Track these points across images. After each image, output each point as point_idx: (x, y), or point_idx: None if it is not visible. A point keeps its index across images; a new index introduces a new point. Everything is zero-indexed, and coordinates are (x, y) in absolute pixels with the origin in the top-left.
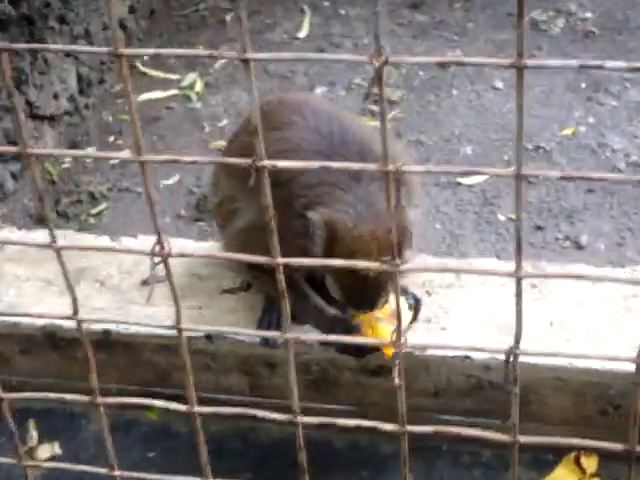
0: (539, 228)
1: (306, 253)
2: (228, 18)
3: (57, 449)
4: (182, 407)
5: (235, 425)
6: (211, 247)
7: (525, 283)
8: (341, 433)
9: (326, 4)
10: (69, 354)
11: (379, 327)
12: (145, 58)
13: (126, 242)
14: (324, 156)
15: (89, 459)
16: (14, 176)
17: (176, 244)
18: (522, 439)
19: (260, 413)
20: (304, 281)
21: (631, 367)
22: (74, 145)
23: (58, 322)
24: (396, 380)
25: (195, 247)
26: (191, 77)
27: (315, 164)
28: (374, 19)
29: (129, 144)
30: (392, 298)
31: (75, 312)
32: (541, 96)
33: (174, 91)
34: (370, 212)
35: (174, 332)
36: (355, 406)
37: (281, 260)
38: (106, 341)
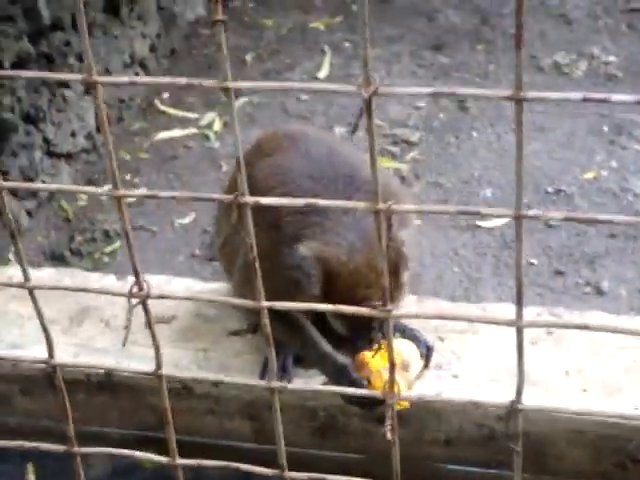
0: (559, 273)
1: (300, 286)
2: (248, 57)
3: None
4: (163, 459)
5: (235, 472)
6: (219, 288)
7: (540, 330)
8: None
9: (347, 45)
10: (71, 397)
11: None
12: (165, 97)
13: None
14: (313, 179)
15: None
16: (29, 213)
17: (182, 284)
18: None
19: (243, 466)
20: (308, 321)
21: None
22: (90, 183)
23: (58, 362)
24: (388, 435)
25: (201, 287)
26: (209, 116)
27: (300, 202)
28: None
29: (146, 182)
30: (401, 347)
31: (50, 355)
32: (563, 139)
33: (192, 130)
34: (363, 241)
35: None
36: (362, 454)
37: (265, 304)
38: (108, 383)
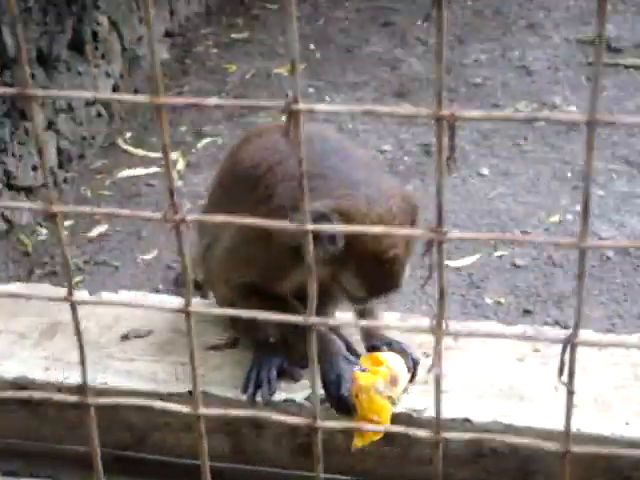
0: (527, 312)
1: (289, 256)
2: (212, 101)
3: None
4: None
5: None
6: (195, 302)
7: (528, 347)
8: None
9: (311, 90)
10: (40, 412)
11: (376, 399)
12: (127, 135)
13: (106, 297)
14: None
15: None
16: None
17: (158, 298)
18: None
19: None
20: (290, 296)
21: None
22: (50, 218)
23: (30, 376)
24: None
25: (179, 302)
26: (172, 156)
27: (358, 108)
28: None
29: (107, 219)
30: (390, 361)
31: (70, 293)
32: (527, 184)
33: (155, 169)
34: (378, 193)
35: (154, 389)
36: (346, 475)
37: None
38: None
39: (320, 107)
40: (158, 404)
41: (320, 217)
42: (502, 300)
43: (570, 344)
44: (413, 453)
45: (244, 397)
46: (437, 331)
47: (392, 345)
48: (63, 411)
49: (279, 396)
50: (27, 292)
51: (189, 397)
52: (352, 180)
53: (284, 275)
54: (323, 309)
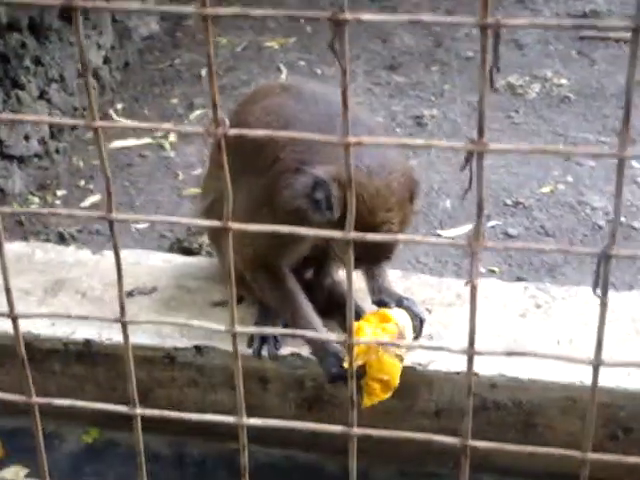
0: (521, 280)
1: (306, 217)
2: (203, 72)
3: (21, 474)
4: None
5: (219, 448)
6: (199, 262)
7: (529, 303)
8: (332, 457)
9: (302, 63)
10: (46, 367)
11: (385, 359)
12: (119, 107)
13: (109, 256)
14: (310, 113)
15: None
16: None
17: (161, 257)
18: (474, 443)
19: None
20: (301, 291)
21: None
22: (43, 188)
23: (35, 332)
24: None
25: (182, 260)
26: (165, 127)
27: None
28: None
29: (100, 189)
30: (398, 317)
31: (109, 210)
32: (519, 156)
33: (147, 140)
34: (380, 166)
35: (159, 343)
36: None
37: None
38: (87, 353)
39: (367, 17)
40: (195, 323)
41: (320, 183)
42: (495, 269)
43: (605, 256)
44: (417, 407)
45: (250, 351)
46: (475, 244)
47: (400, 301)
48: (69, 366)
49: (285, 350)
50: (30, 250)
51: (195, 352)
52: (358, 149)
53: (288, 244)
54: (323, 269)
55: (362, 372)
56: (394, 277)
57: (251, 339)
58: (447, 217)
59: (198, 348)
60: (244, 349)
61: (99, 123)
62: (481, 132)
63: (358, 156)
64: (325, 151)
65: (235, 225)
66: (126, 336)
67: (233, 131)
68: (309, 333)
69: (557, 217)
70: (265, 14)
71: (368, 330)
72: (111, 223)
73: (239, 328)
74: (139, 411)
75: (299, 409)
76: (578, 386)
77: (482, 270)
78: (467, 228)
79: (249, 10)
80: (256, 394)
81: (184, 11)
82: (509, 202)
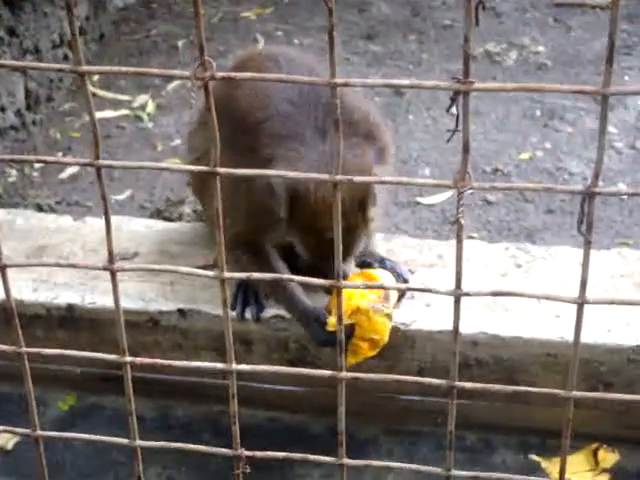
0: None
1: (269, 208)
2: (180, 44)
3: (10, 445)
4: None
5: (205, 411)
6: (181, 227)
7: (510, 263)
8: (318, 418)
9: (279, 33)
10: (30, 332)
11: (375, 319)
12: (95, 78)
13: (90, 222)
14: (293, 104)
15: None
16: None
17: (143, 223)
18: (460, 384)
19: None
20: (280, 259)
21: (624, 341)
22: (20, 161)
23: (18, 297)
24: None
25: (163, 225)
26: (142, 98)
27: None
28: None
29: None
30: (383, 278)
31: (97, 156)
32: (497, 122)
33: (125, 111)
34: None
35: (143, 307)
36: (333, 388)
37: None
38: (70, 318)
39: None
40: (184, 269)
41: (271, 188)
42: (475, 235)
43: (589, 194)
44: (400, 367)
45: (233, 314)
46: (461, 184)
47: (383, 262)
48: (52, 331)
49: (268, 313)
50: (11, 218)
51: (178, 315)
52: (318, 149)
53: (264, 225)
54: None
55: (350, 332)
56: (376, 239)
57: (234, 302)
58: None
59: (182, 311)
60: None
61: (85, 68)
62: (467, 72)
63: (316, 160)
64: (296, 149)
65: (222, 170)
66: (115, 285)
67: (220, 74)
68: (297, 278)
69: (536, 183)
70: None
71: (350, 290)
72: (98, 170)
73: (227, 274)
74: (128, 359)
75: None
76: (559, 342)
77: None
78: (447, 195)
79: None
80: (240, 356)
81: None
82: (488, 169)
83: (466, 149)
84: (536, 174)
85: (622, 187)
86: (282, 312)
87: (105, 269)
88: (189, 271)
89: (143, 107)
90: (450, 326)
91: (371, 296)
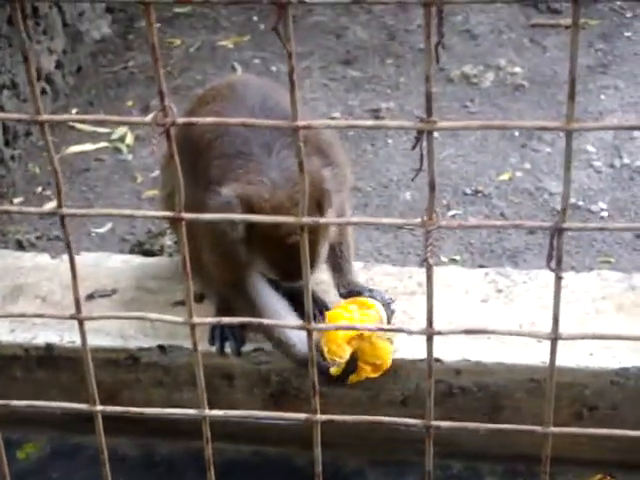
0: (483, 267)
1: (226, 229)
2: None
3: None
4: None
5: (188, 447)
6: (158, 261)
7: (490, 288)
8: (302, 451)
9: (256, 61)
10: (8, 374)
11: (378, 344)
12: (73, 112)
13: (67, 259)
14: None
15: None
16: None
17: (120, 259)
18: (436, 423)
19: None
20: (270, 293)
21: (607, 364)
22: (0, 196)
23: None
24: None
25: (140, 261)
26: (121, 131)
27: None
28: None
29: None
30: (379, 308)
31: (59, 205)
32: (476, 144)
33: (104, 144)
34: (285, 178)
35: (123, 345)
36: None
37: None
38: (49, 357)
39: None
40: (153, 316)
41: (225, 203)
42: (457, 257)
43: (558, 230)
44: (384, 396)
45: (213, 349)
46: (428, 223)
47: (372, 292)
48: (31, 372)
49: (248, 346)
50: None
51: (159, 352)
52: (265, 161)
53: (235, 257)
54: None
55: (355, 359)
56: (356, 268)
57: (213, 336)
58: (408, 209)
59: (162, 348)
60: (208, 347)
61: (44, 117)
62: (429, 111)
63: (265, 171)
64: (244, 166)
65: (187, 215)
66: (83, 333)
67: (181, 120)
68: (266, 321)
69: (516, 204)
70: (201, 1)
71: (348, 316)
72: (62, 218)
73: (197, 319)
74: (99, 408)
75: (266, 404)
76: (542, 367)
77: (444, 259)
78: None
79: None
80: (222, 391)
81: None
82: (468, 191)
83: (432, 187)
84: (516, 194)
85: (602, 206)
86: (263, 345)
87: (72, 318)
88: (158, 317)
89: (122, 139)
90: (433, 354)
91: (369, 323)
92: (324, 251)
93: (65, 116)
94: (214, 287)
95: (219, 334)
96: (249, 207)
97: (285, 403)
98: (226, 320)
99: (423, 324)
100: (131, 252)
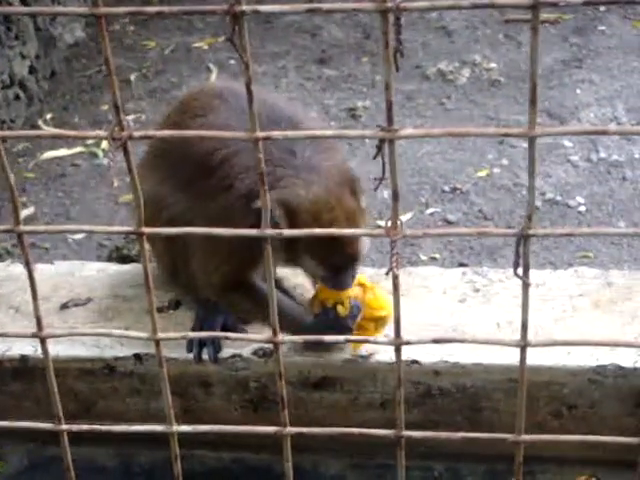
0: (463, 265)
1: (255, 240)
2: (133, 77)
3: None
4: None
5: (167, 456)
6: (132, 269)
7: (468, 288)
8: (282, 457)
9: (232, 62)
10: None
11: (381, 295)
12: (48, 117)
13: (41, 268)
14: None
15: None
16: None
17: (96, 267)
18: (407, 433)
19: None
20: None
21: (585, 362)
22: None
23: None
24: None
25: (116, 268)
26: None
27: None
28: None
29: (34, 201)
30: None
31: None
32: (454, 141)
33: (79, 149)
34: (315, 174)
35: (98, 354)
36: (295, 425)
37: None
38: (23, 369)
39: (264, 8)
40: (116, 332)
41: (258, 216)
42: (437, 256)
43: (523, 237)
44: (363, 399)
45: (191, 356)
46: (393, 232)
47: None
48: (5, 384)
49: (226, 353)
50: None
51: (135, 361)
52: (292, 164)
53: (258, 256)
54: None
55: (357, 312)
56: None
57: (190, 344)
58: (385, 208)
59: (138, 357)
60: (185, 354)
61: (1, 134)
62: (390, 120)
63: (295, 173)
64: (272, 173)
65: (147, 230)
66: (45, 351)
67: (138, 133)
68: (233, 335)
69: (495, 200)
70: (160, 10)
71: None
72: (19, 236)
73: (161, 335)
74: (64, 427)
75: (244, 410)
76: (517, 366)
77: (423, 258)
78: (408, 216)
79: (144, 8)
80: (200, 398)
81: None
82: (446, 188)
83: (396, 197)
84: (494, 191)
85: (580, 200)
86: (240, 351)
87: (34, 336)
88: (121, 333)
89: (97, 143)
90: (411, 356)
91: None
92: (368, 241)
93: (22, 132)
94: (199, 293)
95: (197, 341)
96: (290, 210)
97: (265, 409)
98: (192, 334)
99: (402, 325)
100: (109, 257)
